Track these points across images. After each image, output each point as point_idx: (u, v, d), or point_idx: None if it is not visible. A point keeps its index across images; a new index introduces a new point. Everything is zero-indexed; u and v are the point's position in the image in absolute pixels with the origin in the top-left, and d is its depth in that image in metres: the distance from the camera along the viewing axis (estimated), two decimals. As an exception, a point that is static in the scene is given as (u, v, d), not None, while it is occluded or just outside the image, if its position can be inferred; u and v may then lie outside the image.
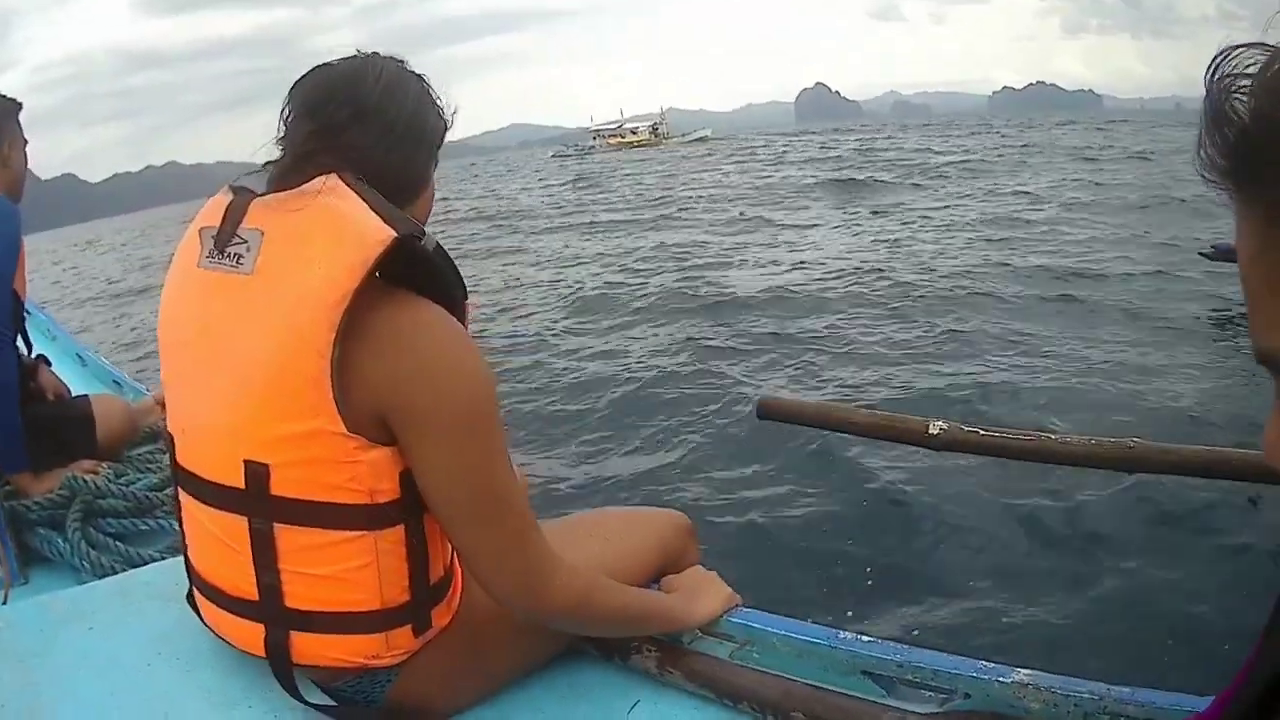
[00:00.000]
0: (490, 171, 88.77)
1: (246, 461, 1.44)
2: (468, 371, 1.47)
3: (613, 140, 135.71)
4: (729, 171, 40.41)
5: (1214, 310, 9.20)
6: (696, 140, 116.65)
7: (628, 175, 48.19)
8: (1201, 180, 0.60)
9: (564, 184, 43.26)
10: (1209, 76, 0.60)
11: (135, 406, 3.31)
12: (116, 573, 2.30)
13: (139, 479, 2.86)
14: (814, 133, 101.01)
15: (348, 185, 1.43)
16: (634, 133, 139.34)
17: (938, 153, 40.29)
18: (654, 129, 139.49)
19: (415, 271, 1.47)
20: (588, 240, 19.47)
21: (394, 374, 1.41)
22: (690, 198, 28.20)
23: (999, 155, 35.50)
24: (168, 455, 1.69)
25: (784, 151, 53.61)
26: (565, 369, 8.92)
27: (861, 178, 27.82)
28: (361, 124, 1.52)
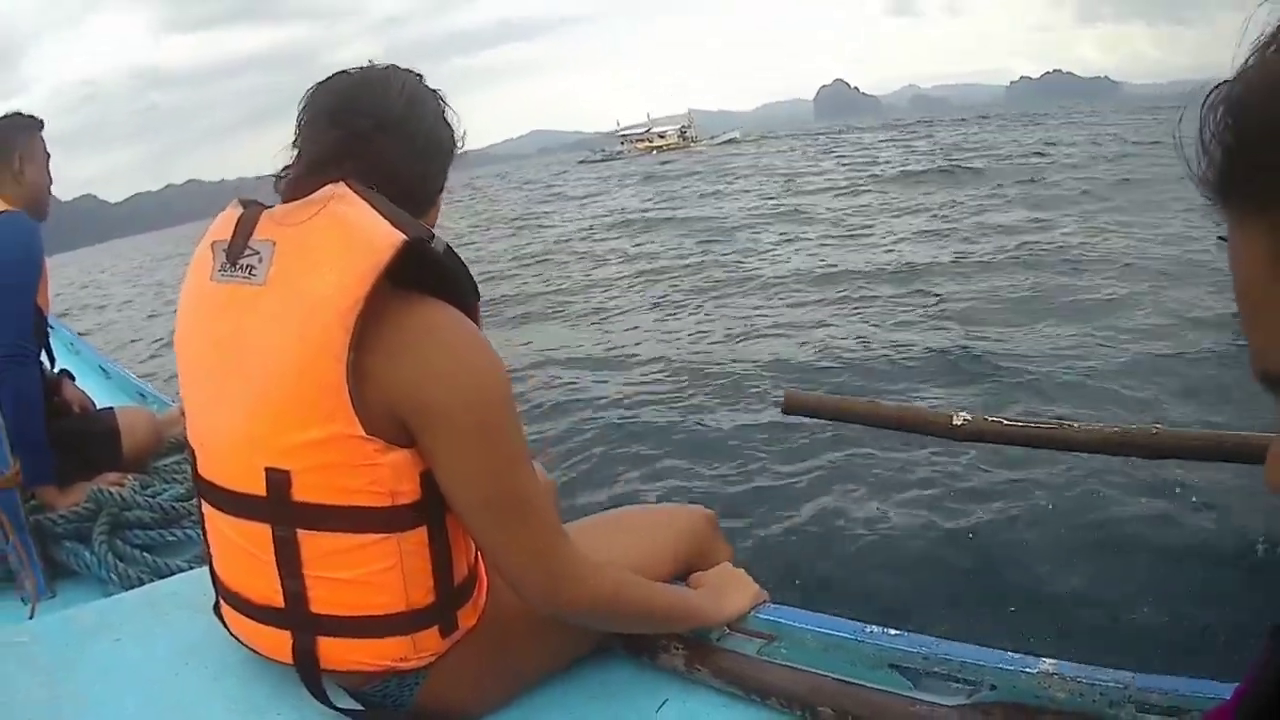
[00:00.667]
0: (529, 178, 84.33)
1: (267, 469, 1.45)
2: (481, 372, 1.47)
3: (640, 144, 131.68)
4: (835, 169, 35.67)
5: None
6: (726, 142, 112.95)
7: (699, 176, 43.91)
8: (1205, 201, 0.59)
9: (650, 192, 37.36)
10: (1203, 109, 0.58)
11: (160, 418, 3.33)
12: (143, 584, 2.31)
13: (165, 490, 2.88)
14: (861, 129, 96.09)
15: (355, 192, 1.44)
16: (661, 136, 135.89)
17: (1032, 143, 36.48)
18: (682, 132, 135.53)
19: (426, 274, 1.48)
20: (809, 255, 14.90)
21: (409, 376, 1.42)
22: (853, 207, 21.18)
23: (1127, 146, 30.85)
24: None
25: (875, 150, 47.61)
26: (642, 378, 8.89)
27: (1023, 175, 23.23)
28: (387, 134, 1.54)
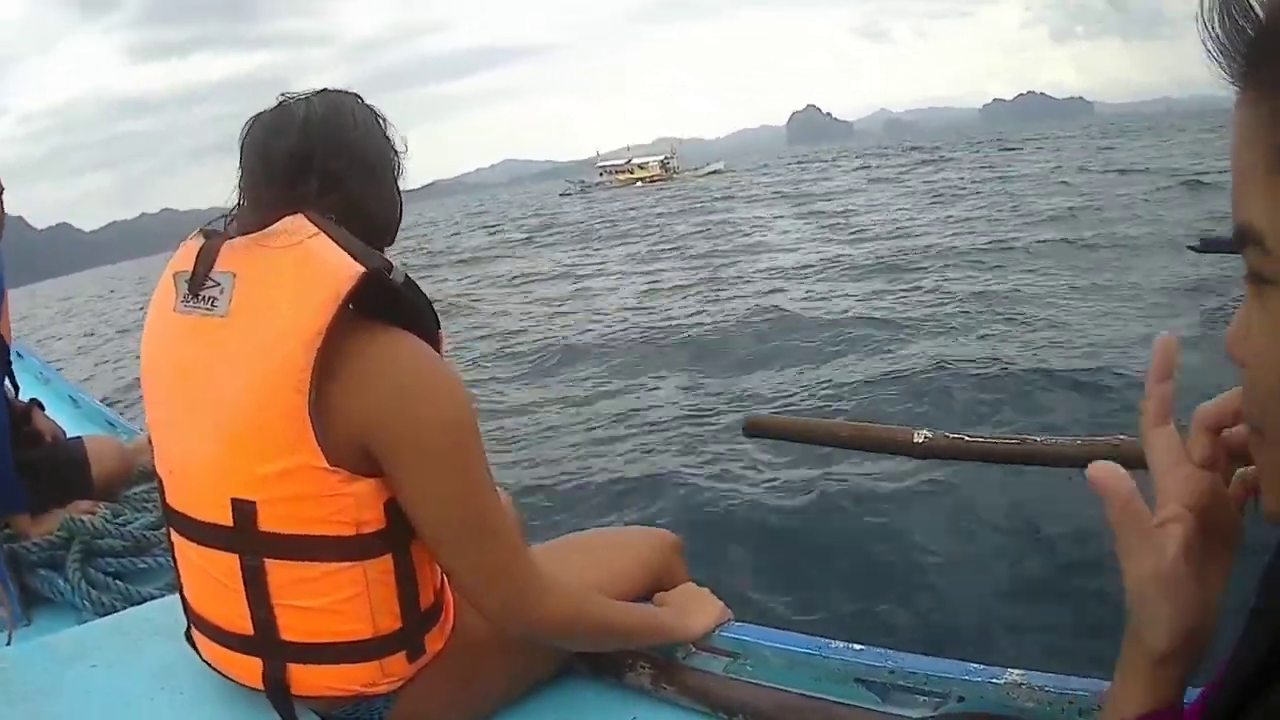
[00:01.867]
0: (518, 203, 78.85)
1: (233, 500, 1.46)
2: (445, 397, 1.50)
3: (621, 176, 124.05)
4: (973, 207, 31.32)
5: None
6: (710, 174, 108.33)
7: (790, 200, 36.64)
8: (1206, 55, 0.62)
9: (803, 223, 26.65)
10: None
11: (129, 446, 3.32)
12: (117, 611, 2.31)
13: (136, 518, 2.87)
14: (889, 152, 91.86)
15: (315, 224, 1.46)
16: (642, 167, 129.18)
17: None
18: (664, 163, 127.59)
19: (387, 304, 1.50)
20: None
21: (372, 404, 1.44)
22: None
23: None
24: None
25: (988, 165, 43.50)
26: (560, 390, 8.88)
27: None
28: (354, 170, 1.57)
